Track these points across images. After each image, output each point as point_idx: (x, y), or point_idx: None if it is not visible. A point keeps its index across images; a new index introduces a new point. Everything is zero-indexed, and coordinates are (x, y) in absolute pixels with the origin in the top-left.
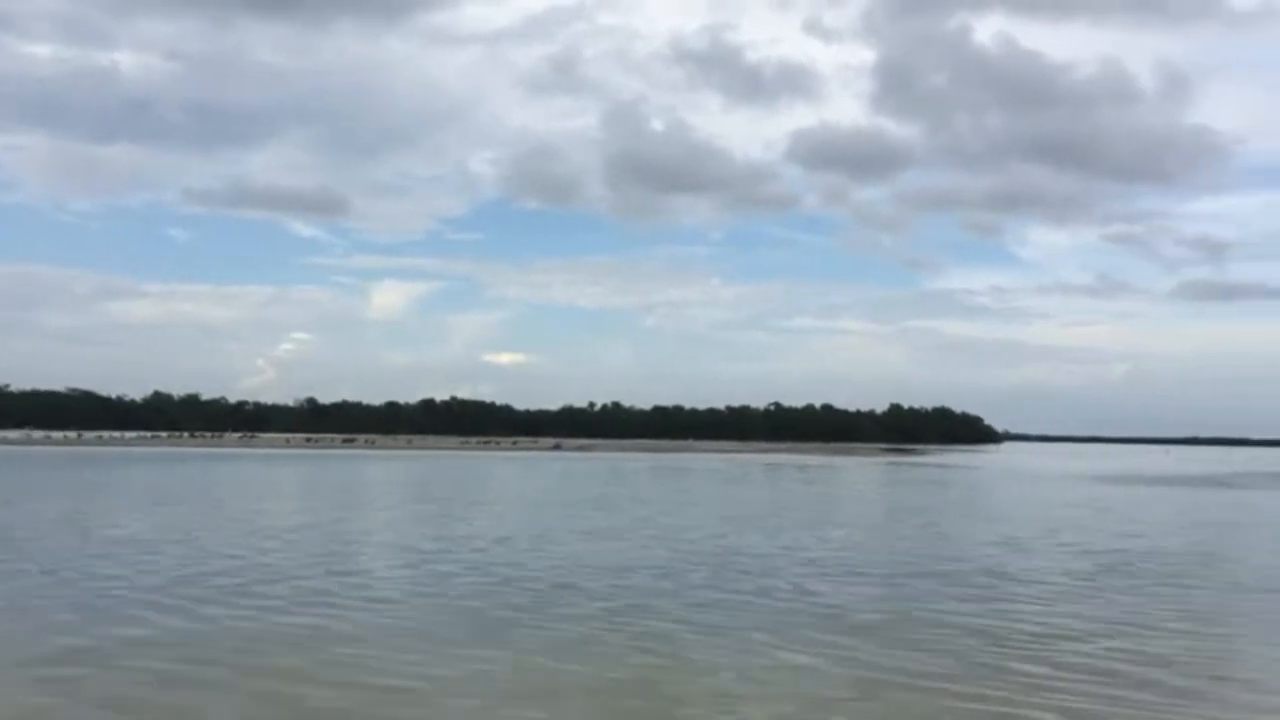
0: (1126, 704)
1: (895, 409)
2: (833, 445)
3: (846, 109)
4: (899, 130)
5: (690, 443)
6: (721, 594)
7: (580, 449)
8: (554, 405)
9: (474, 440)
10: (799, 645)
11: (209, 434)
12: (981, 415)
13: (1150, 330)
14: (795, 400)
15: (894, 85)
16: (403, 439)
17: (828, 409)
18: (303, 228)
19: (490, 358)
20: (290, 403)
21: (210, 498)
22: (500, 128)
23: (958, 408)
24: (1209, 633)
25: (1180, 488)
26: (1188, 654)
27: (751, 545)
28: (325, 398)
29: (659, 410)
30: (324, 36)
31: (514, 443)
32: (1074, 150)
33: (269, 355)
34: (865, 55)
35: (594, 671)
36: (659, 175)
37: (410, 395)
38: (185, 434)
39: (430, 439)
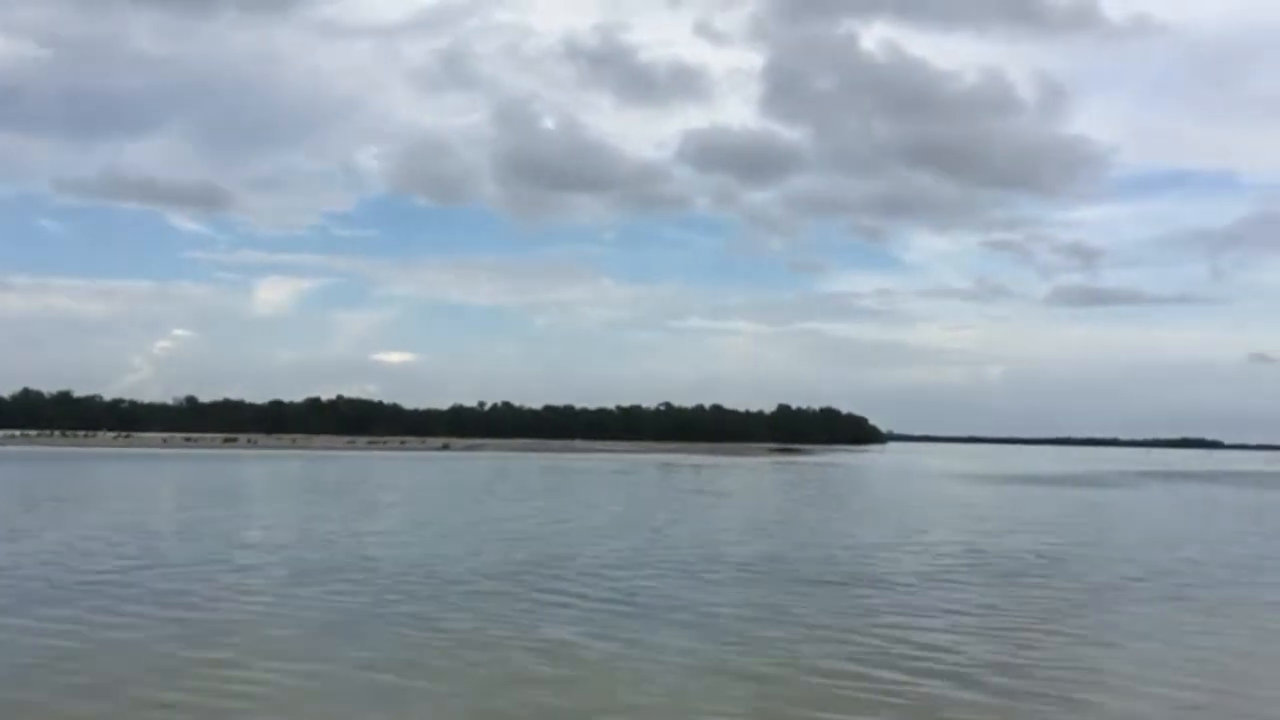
0: (969, 704)
1: (783, 409)
2: (722, 445)
3: (737, 111)
4: (788, 134)
5: (581, 442)
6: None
7: (469, 449)
8: (443, 405)
9: (361, 440)
10: (616, 639)
11: (82, 433)
12: (866, 416)
13: (1026, 334)
14: (686, 400)
15: (783, 89)
16: (287, 439)
17: (717, 409)
18: (184, 221)
19: (379, 356)
20: (169, 401)
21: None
22: (390, 123)
23: (844, 408)
24: (1064, 629)
25: (1050, 487)
26: (1039, 651)
27: (615, 546)
28: (206, 396)
29: (550, 410)
30: (205, 24)
31: (402, 442)
32: (956, 158)
33: (147, 352)
34: (755, 59)
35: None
36: (551, 174)
37: (295, 394)
38: (56, 433)
39: (316, 438)
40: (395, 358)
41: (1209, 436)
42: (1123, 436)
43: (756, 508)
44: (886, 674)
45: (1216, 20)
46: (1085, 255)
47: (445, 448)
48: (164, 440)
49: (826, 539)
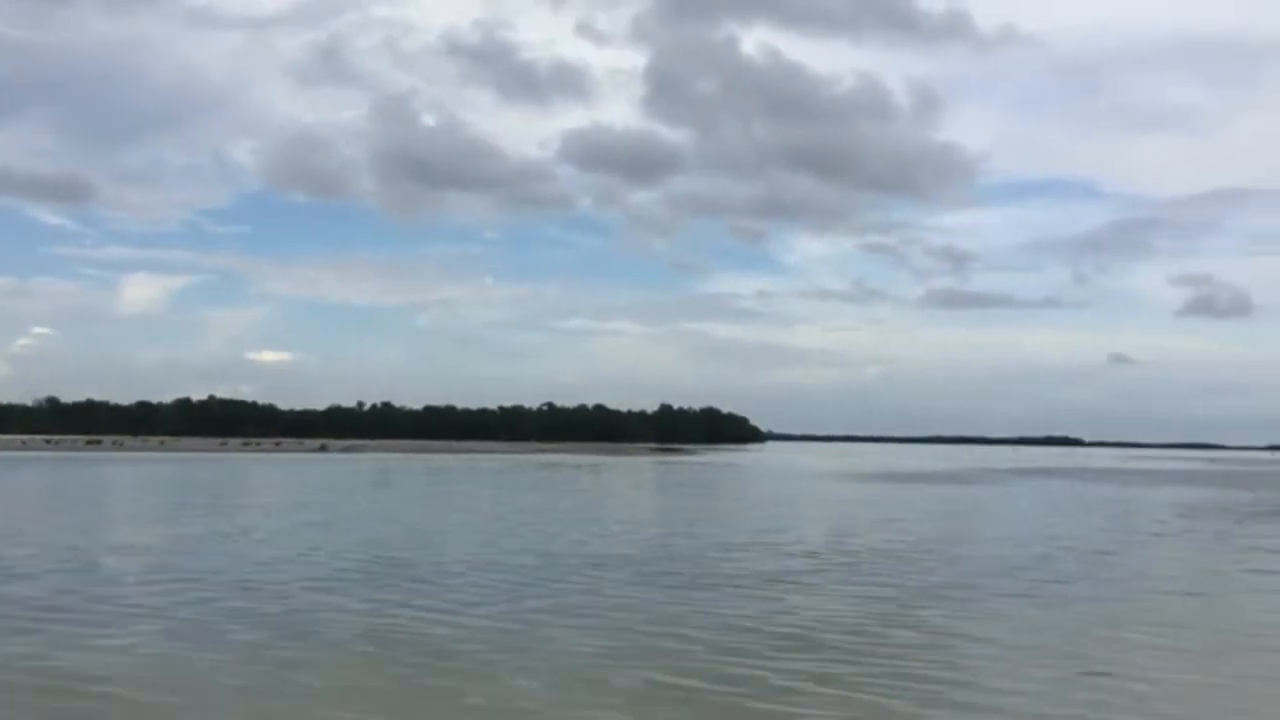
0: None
1: (665, 409)
2: (605, 445)
3: (619, 111)
4: (670, 135)
5: (463, 443)
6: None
7: (347, 450)
8: (321, 405)
9: (234, 441)
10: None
11: None
12: (747, 415)
13: (902, 335)
14: (569, 400)
15: (665, 90)
16: (154, 440)
17: (600, 409)
18: (46, 215)
19: (253, 356)
20: (29, 402)
21: None
22: (265, 117)
23: (725, 408)
24: (901, 630)
25: (917, 484)
26: (869, 657)
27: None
28: (69, 396)
29: (430, 410)
30: (64, 9)
31: (277, 444)
32: (834, 162)
33: (5, 351)
34: (637, 59)
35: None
36: (431, 171)
37: (164, 394)
38: None
39: (186, 440)
40: (270, 357)
41: (1071, 434)
42: (992, 435)
43: (615, 506)
44: (692, 682)
45: (1079, 32)
46: (957, 259)
47: (323, 449)
48: (23, 443)
49: (679, 537)
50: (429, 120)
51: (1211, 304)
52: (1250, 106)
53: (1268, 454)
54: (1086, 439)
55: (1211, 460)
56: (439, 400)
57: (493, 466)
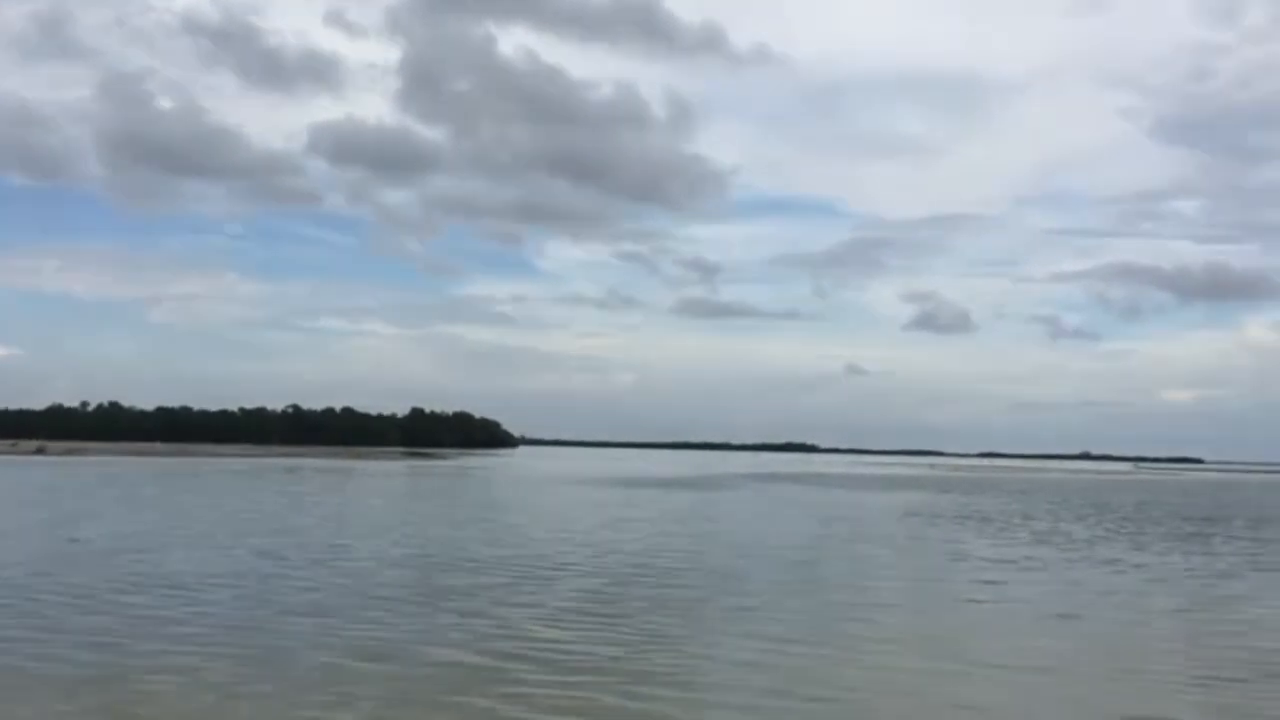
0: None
1: (417, 413)
2: (353, 449)
3: (373, 106)
4: (427, 133)
5: (199, 446)
6: None
7: (68, 453)
8: (39, 405)
9: None
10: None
11: None
12: (501, 420)
13: (654, 343)
14: (316, 403)
15: (420, 86)
16: None
17: (349, 412)
18: None
19: None
20: None
21: None
22: None
23: (478, 413)
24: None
25: (657, 489)
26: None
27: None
28: None
29: (164, 411)
30: None
31: None
32: (591, 168)
33: None
34: (391, 53)
35: None
36: (167, 157)
37: None
38: None
39: None
40: None
41: (809, 441)
42: (735, 441)
43: (314, 512)
44: (316, 696)
45: (826, 56)
46: (706, 270)
47: (40, 452)
48: None
49: (387, 546)
50: (164, 103)
51: (935, 319)
52: (970, 138)
53: (983, 460)
54: (822, 445)
55: (932, 466)
56: (175, 400)
57: (215, 470)
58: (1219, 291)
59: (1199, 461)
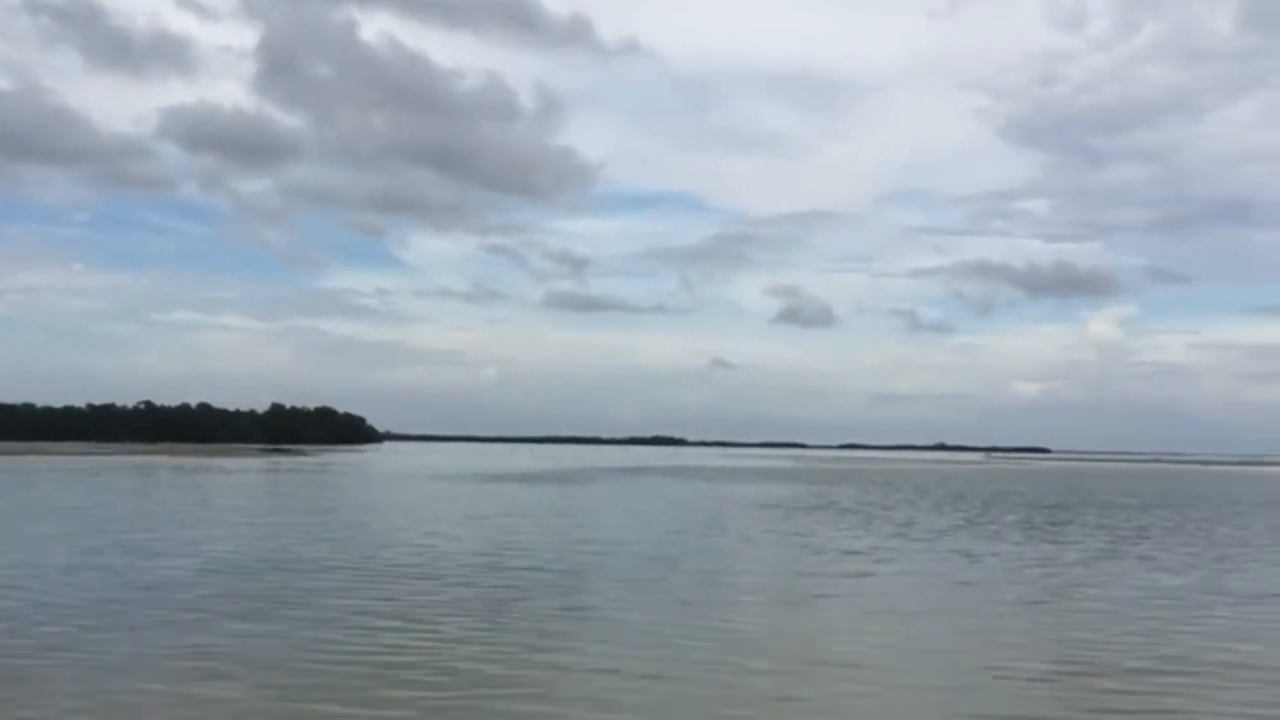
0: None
1: (277, 408)
2: (209, 446)
3: (228, 91)
4: (285, 120)
5: (38, 444)
6: None
7: None
8: None
9: None
10: None
11: None
12: (365, 415)
13: (521, 337)
14: (170, 399)
15: (278, 71)
16: None
17: (205, 408)
18: None
19: None
20: None
21: None
22: None
23: (341, 408)
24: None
25: (520, 484)
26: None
27: None
28: None
29: (2, 408)
30: None
31: None
32: (456, 159)
33: None
34: (248, 36)
35: None
36: (6, 140)
37: None
38: None
39: None
40: None
41: (677, 434)
42: (604, 435)
43: (150, 514)
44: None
45: (694, 50)
46: (574, 263)
47: None
48: None
49: (235, 548)
50: (2, 83)
51: (799, 314)
52: (833, 136)
53: (845, 452)
54: (690, 439)
55: (797, 458)
56: (12, 397)
57: (52, 469)
58: (1065, 288)
59: (1046, 451)
